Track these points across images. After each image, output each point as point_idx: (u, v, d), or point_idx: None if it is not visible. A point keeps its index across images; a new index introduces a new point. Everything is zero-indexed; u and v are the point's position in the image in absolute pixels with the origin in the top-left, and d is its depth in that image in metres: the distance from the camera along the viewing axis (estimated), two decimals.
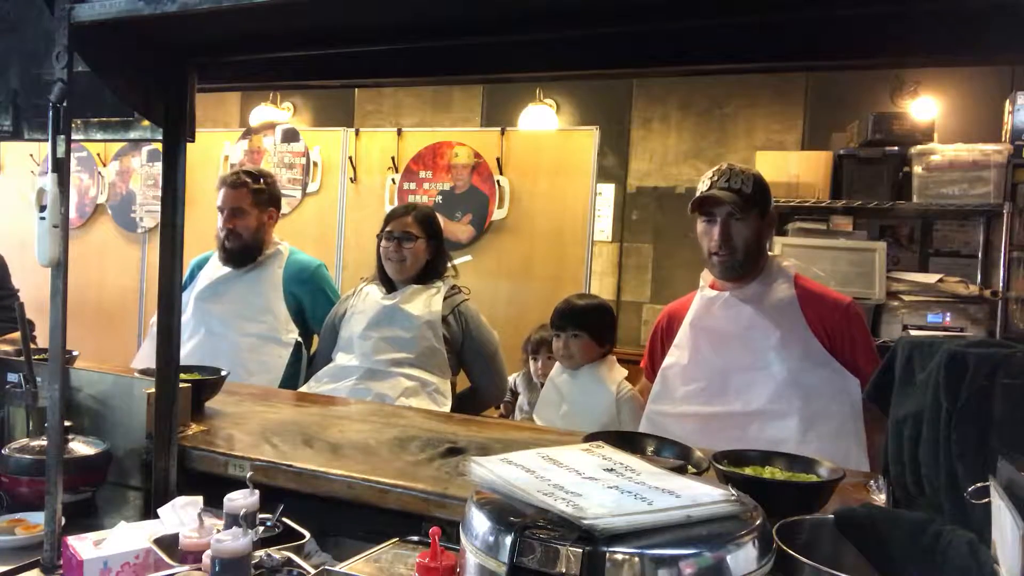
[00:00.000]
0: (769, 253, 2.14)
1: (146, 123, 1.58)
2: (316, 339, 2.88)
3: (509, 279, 3.98)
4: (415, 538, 1.30)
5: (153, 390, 1.59)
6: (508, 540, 0.87)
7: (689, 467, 1.34)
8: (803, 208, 4.11)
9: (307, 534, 1.32)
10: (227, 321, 2.78)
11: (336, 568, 1.19)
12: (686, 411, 2.04)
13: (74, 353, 2.10)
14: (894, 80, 4.41)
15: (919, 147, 3.91)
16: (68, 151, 1.26)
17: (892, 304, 3.91)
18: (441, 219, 2.90)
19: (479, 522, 0.92)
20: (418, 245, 2.62)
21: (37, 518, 1.39)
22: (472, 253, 3.96)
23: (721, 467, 1.31)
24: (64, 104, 1.23)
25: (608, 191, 5.09)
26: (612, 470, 1.03)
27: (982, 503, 0.88)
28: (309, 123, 5.75)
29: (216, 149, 4.56)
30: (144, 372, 1.84)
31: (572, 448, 1.12)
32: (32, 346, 1.70)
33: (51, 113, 1.23)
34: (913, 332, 3.83)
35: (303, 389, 2.61)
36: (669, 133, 5.03)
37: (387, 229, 2.65)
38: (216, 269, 2.87)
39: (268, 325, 2.77)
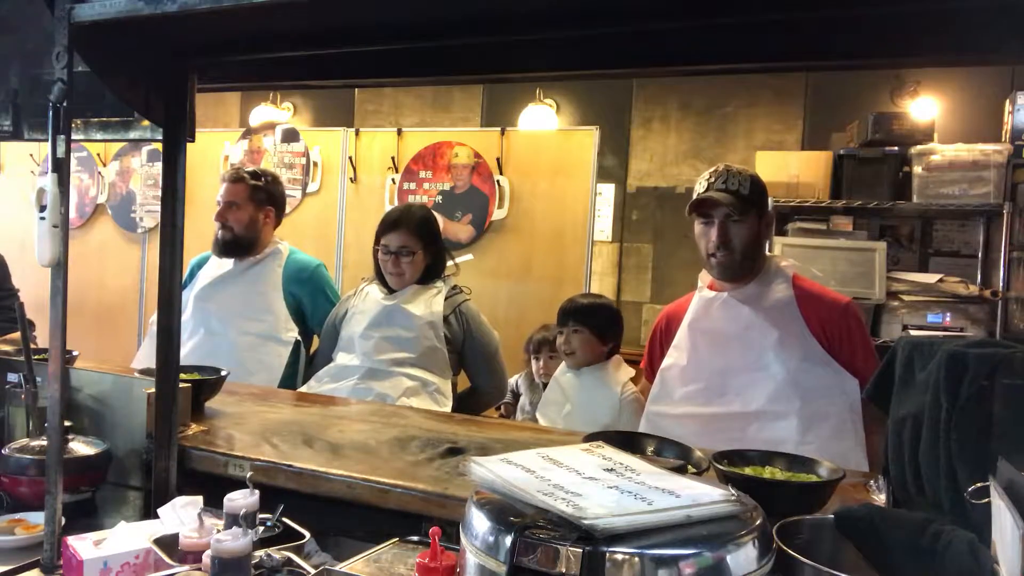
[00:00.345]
0: (767, 253, 2.15)
1: (146, 123, 1.58)
2: (315, 339, 2.88)
3: (509, 279, 3.98)
4: (415, 538, 1.30)
5: (153, 390, 1.59)
6: (508, 540, 0.87)
7: (689, 467, 1.34)
8: (803, 208, 4.11)
9: (307, 534, 1.32)
10: (226, 320, 2.79)
11: (336, 568, 1.19)
12: (685, 412, 2.04)
13: (74, 353, 2.10)
14: (894, 80, 4.41)
15: (919, 147, 3.91)
16: (68, 151, 1.26)
17: (892, 304, 3.91)
18: (441, 219, 2.90)
19: (479, 522, 0.92)
20: (416, 257, 2.60)
21: (37, 518, 1.39)
22: (472, 253, 3.96)
23: (721, 467, 1.31)
24: (64, 104, 1.23)
25: (608, 191, 5.09)
26: (612, 470, 1.03)
27: (982, 503, 0.88)
28: (309, 123, 5.75)
29: (216, 149, 4.56)
30: (144, 372, 1.84)
31: (572, 448, 1.12)
32: (32, 346, 1.70)
33: (51, 113, 1.23)
34: (913, 332, 3.83)
35: (303, 389, 2.61)
36: (669, 133, 5.03)
37: (383, 242, 2.61)
38: (216, 268, 2.88)
39: (268, 324, 2.78)
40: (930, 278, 3.96)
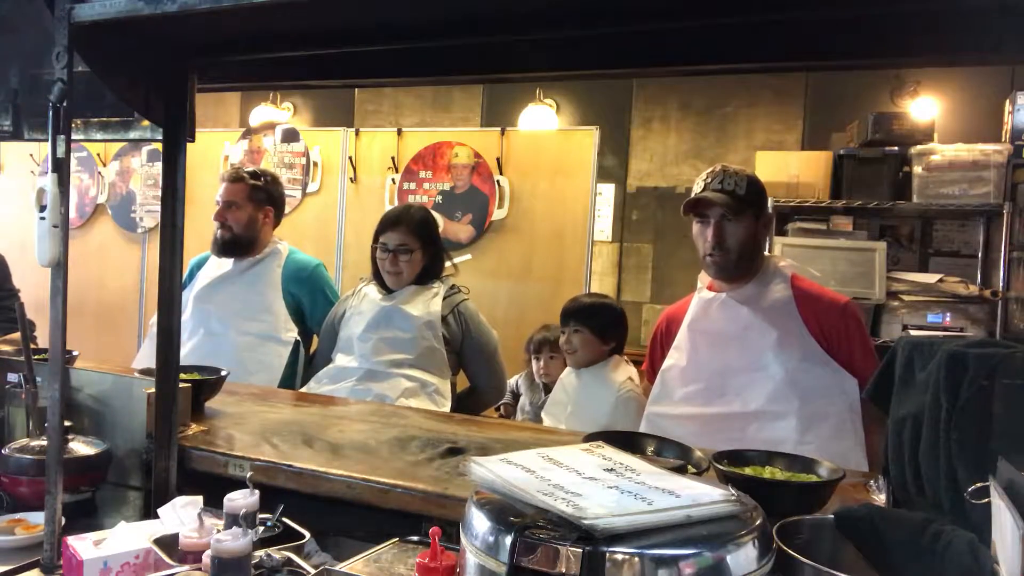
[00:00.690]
0: (766, 253, 2.15)
1: (146, 123, 1.58)
2: (315, 338, 2.88)
3: (509, 279, 3.98)
4: (415, 538, 1.30)
5: (153, 390, 1.59)
6: (508, 540, 0.87)
7: (689, 467, 1.34)
8: (803, 208, 4.11)
9: (307, 534, 1.32)
10: (226, 320, 2.79)
11: (336, 568, 1.19)
12: (685, 412, 2.04)
13: (74, 353, 2.10)
14: (894, 80, 4.41)
15: (919, 147, 3.91)
16: (68, 151, 1.26)
17: (892, 304, 3.91)
18: (441, 219, 2.90)
19: (479, 522, 0.92)
20: (415, 256, 2.60)
21: (37, 518, 1.39)
22: (472, 253, 3.97)
23: (721, 467, 1.31)
24: (64, 104, 1.23)
25: (608, 191, 5.09)
26: (612, 470, 1.03)
27: (982, 503, 0.88)
28: (309, 123, 5.75)
29: (216, 149, 4.56)
30: (144, 372, 1.84)
31: (572, 448, 1.12)
32: (32, 346, 1.70)
33: (51, 113, 1.23)
34: (913, 332, 3.83)
35: (303, 390, 2.61)
36: (669, 133, 5.03)
37: (382, 241, 2.62)
38: (215, 268, 2.88)
39: (267, 324, 2.78)
40: (930, 278, 3.96)
